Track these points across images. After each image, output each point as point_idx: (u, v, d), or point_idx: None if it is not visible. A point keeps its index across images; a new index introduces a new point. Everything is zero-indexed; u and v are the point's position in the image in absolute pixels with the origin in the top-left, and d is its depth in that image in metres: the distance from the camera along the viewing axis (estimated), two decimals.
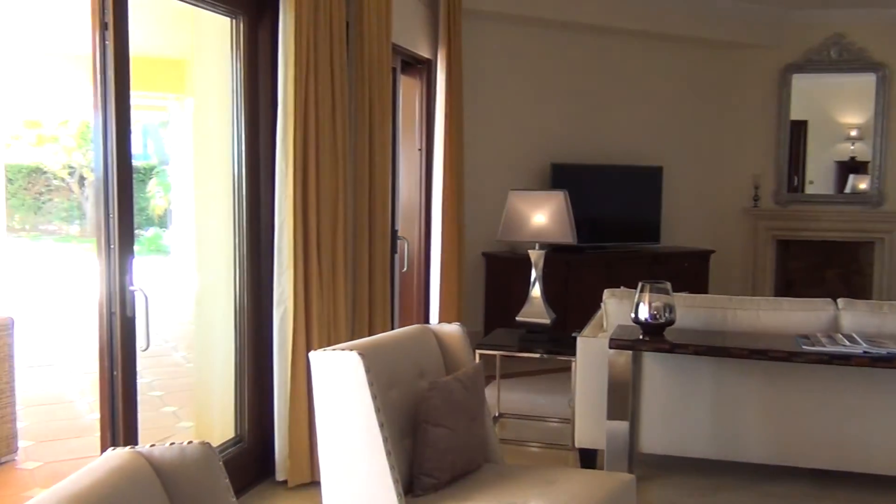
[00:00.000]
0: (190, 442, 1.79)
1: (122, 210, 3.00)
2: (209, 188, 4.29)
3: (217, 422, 4.19)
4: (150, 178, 19.44)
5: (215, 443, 3.87)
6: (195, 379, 4.62)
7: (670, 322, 3.79)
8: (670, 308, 3.79)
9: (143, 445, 1.78)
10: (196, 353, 4.64)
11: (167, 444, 1.78)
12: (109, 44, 2.89)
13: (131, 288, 3.05)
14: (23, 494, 4.08)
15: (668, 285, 3.83)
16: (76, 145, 21.04)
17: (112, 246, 3.01)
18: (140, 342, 3.09)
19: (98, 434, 4.69)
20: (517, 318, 4.97)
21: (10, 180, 19.01)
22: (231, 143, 3.98)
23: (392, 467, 2.64)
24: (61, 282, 12.21)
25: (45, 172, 21.46)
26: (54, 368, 6.66)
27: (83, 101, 13.90)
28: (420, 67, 6.04)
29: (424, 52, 5.97)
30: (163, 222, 19.40)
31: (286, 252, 3.83)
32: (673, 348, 3.71)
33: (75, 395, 5.90)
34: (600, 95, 7.64)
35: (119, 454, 1.72)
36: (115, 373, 3.08)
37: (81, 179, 21.32)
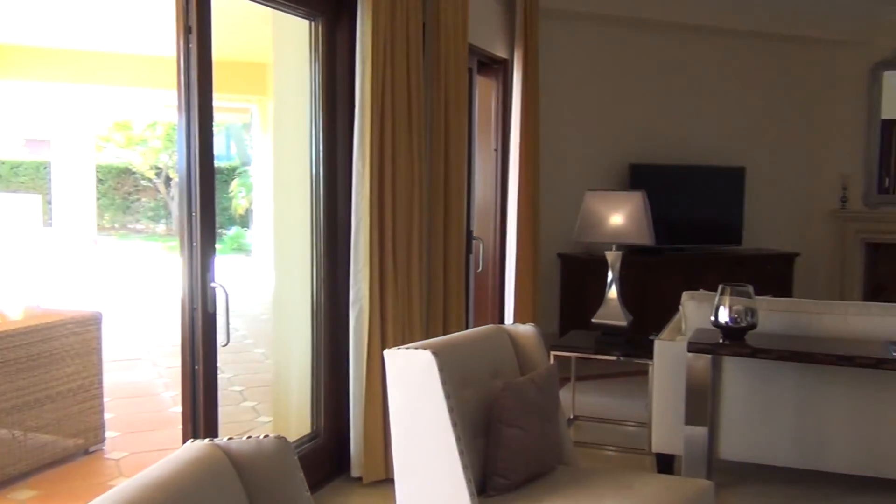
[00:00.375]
0: (266, 436, 1.82)
1: (204, 209, 3.08)
2: (288, 188, 4.37)
3: (294, 418, 4.26)
4: (233, 179, 19.95)
5: (292, 438, 3.94)
6: (273, 375, 4.70)
7: (752, 326, 3.68)
8: (752, 312, 3.68)
9: (221, 438, 1.82)
10: (274, 350, 4.73)
11: (244, 438, 1.81)
12: (193, 47, 2.97)
13: (212, 284, 3.13)
14: (109, 483, 4.23)
15: (750, 288, 3.72)
16: (163, 147, 21.74)
17: (194, 244, 3.09)
18: (220, 337, 3.17)
19: (180, 426, 4.84)
20: (593, 320, 4.90)
21: (100, 180, 19.77)
22: (309, 144, 4.05)
23: (465, 467, 2.64)
24: (148, 279, 12.62)
25: (133, 173, 22.24)
26: (141, 362, 6.89)
27: (170, 103, 14.34)
28: (496, 67, 6.03)
29: (501, 52, 5.96)
30: (244, 221, 19.88)
31: (362, 251, 3.87)
32: (754, 353, 3.60)
33: (160, 388, 6.09)
34: (680, 94, 7.49)
35: (198, 446, 1.76)
36: (196, 367, 3.16)
37: (167, 180, 22.00)
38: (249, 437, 1.81)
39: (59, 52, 12.11)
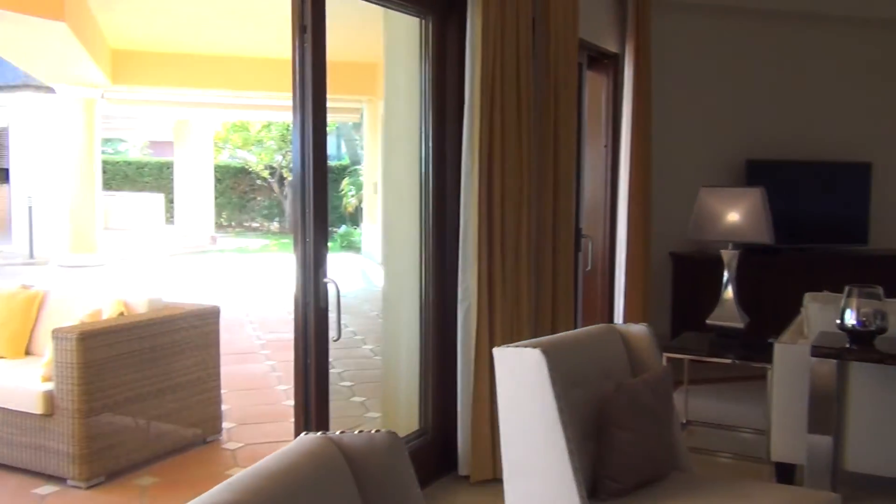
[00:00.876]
0: (378, 430, 1.82)
1: (317, 206, 3.13)
2: (398, 186, 4.41)
3: (402, 414, 4.30)
4: (343, 178, 20.39)
5: (400, 434, 3.97)
6: (382, 371, 4.76)
7: (881, 330, 3.47)
8: (882, 315, 3.47)
9: (333, 432, 1.84)
10: (383, 347, 4.78)
11: (356, 432, 1.82)
12: (308, 45, 3.03)
13: (325, 280, 3.18)
14: (225, 473, 4.38)
15: (880, 290, 3.51)
16: (277, 147, 22.43)
17: (307, 240, 3.15)
18: (332, 332, 3.22)
19: (293, 420, 4.95)
20: (707, 322, 4.74)
21: (218, 180, 20.55)
22: (419, 142, 4.07)
23: (575, 469, 2.58)
24: (262, 275, 13.02)
25: (249, 172, 23.05)
26: (256, 356, 7.11)
27: (284, 104, 14.77)
28: (607, 62, 5.92)
29: (612, 47, 5.84)
30: (354, 219, 20.28)
31: (471, 249, 3.86)
32: (884, 359, 3.39)
33: (274, 381, 6.26)
34: (799, 87, 7.16)
35: (311, 439, 1.78)
36: (308, 361, 3.22)
37: (281, 179, 22.70)
38: (361, 432, 1.83)
39: (180, 56, 12.65)
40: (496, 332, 3.94)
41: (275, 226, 23.64)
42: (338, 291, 3.16)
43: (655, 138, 6.27)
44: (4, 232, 14.68)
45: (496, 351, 2.80)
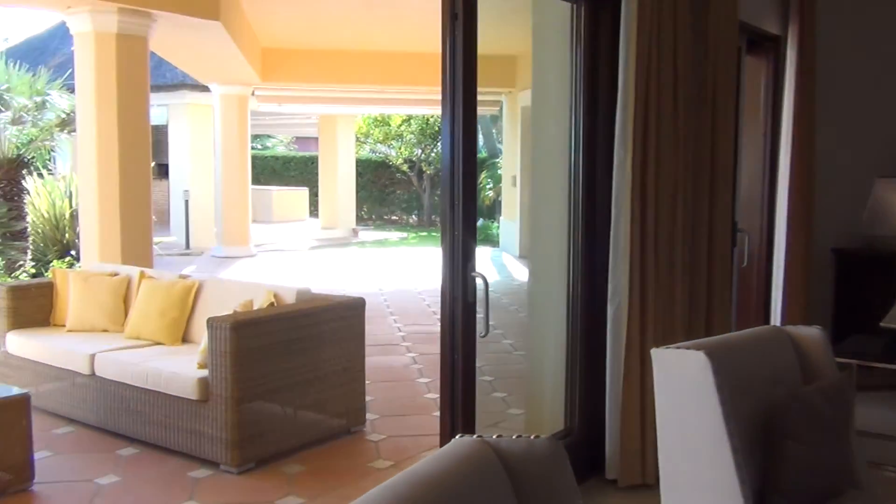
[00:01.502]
0: (537, 436, 1.72)
1: (466, 198, 3.06)
2: (543, 179, 4.28)
3: (547, 413, 4.18)
4: (481, 171, 20.40)
5: (544, 434, 3.86)
6: (526, 367, 4.65)
7: None
8: None
9: (490, 434, 1.75)
10: (528, 342, 4.67)
11: (514, 437, 1.73)
12: (459, 34, 2.96)
13: (473, 274, 3.11)
14: (368, 465, 4.40)
15: None
16: (416, 141, 22.71)
17: (456, 232, 3.09)
18: (479, 328, 3.14)
19: (435, 414, 4.92)
20: (882, 324, 4.36)
21: (359, 174, 21.00)
22: (568, 133, 3.93)
23: (742, 481, 2.39)
24: (403, 267, 13.18)
25: (389, 166, 23.47)
26: (398, 348, 7.17)
27: (426, 98, 14.90)
28: (767, 45, 5.56)
29: (773, 28, 5.48)
30: (491, 213, 20.26)
31: (622, 244, 3.69)
32: None
33: (415, 374, 6.28)
34: None
35: (467, 442, 1.70)
36: (455, 357, 3.16)
37: (420, 173, 22.99)
38: (520, 437, 1.73)
39: (326, 53, 12.97)
40: (648, 331, 3.76)
41: (413, 219, 23.98)
42: (486, 286, 3.08)
43: (820, 126, 5.84)
44: (164, 224, 15.57)
45: (654, 352, 2.64)
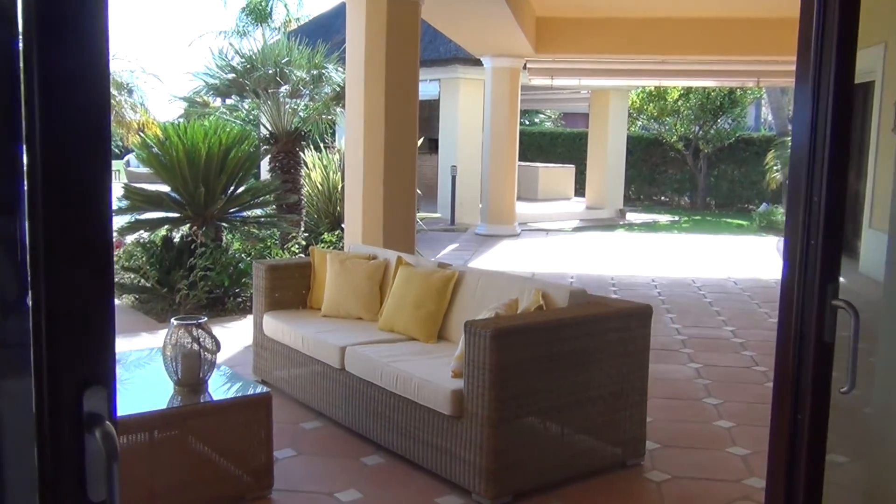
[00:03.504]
0: None
1: (831, 196, 2.11)
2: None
3: None
4: (768, 150, 18.41)
5: None
6: (876, 424, 3.53)
7: None
8: None
9: None
10: (880, 391, 3.55)
11: None
12: None
13: (834, 302, 2.15)
14: None
15: None
16: (695, 117, 21.05)
17: (812, 241, 2.15)
18: (843, 378, 2.18)
19: (731, 450, 3.96)
20: None
21: (629, 151, 19.81)
22: None
23: None
24: (678, 255, 11.97)
25: (662, 144, 21.99)
26: (677, 355, 6.21)
27: (721, 68, 13.49)
28: None
29: None
30: (777, 197, 18.25)
31: None
32: None
33: (700, 391, 5.31)
34: None
35: None
36: (799, 416, 2.23)
37: (696, 152, 21.31)
38: None
39: (605, 21, 12.04)
40: None
41: (685, 200, 22.38)
42: (855, 319, 2.11)
43: None
44: (432, 199, 15.56)
45: None
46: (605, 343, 3.76)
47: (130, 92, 10.58)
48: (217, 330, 6.80)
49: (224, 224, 8.00)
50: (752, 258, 11.84)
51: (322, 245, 9.01)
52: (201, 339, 3.42)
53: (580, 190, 20.48)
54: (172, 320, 3.46)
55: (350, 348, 4.26)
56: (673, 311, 7.81)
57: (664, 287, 9.09)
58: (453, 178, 14.76)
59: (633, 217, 18.36)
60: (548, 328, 3.58)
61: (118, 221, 8.92)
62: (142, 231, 7.78)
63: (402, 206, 6.54)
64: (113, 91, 10.69)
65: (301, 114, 9.96)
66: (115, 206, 8.16)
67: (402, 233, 6.44)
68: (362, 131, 6.45)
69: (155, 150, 7.89)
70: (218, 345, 3.47)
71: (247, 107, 10.27)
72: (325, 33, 15.47)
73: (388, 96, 6.37)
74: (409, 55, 6.60)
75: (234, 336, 6.33)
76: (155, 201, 7.77)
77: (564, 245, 12.95)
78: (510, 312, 3.76)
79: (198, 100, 9.82)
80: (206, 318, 3.53)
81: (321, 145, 10.74)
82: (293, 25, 26.12)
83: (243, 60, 9.69)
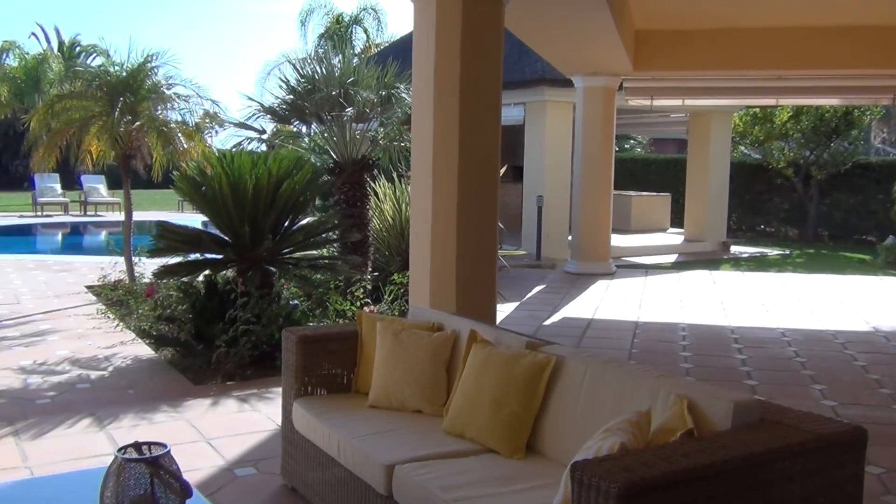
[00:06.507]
0: None
1: None
2: None
3: None
4: (891, 177, 16.41)
5: None
6: None
7: None
8: None
9: None
10: None
11: None
12: None
13: None
14: None
15: None
16: (806, 140, 19.15)
17: None
18: None
19: None
20: None
21: (730, 178, 18.02)
22: None
23: None
24: (799, 297, 10.16)
25: (767, 170, 20.09)
26: None
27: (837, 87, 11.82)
28: None
29: None
30: None
31: None
32: None
33: None
34: None
35: None
36: None
37: (807, 178, 19.35)
38: None
39: (716, 32, 10.59)
40: None
41: (793, 232, 20.37)
42: None
43: None
44: (515, 231, 14.23)
45: None
46: (794, 494, 2.36)
47: (188, 123, 9.66)
48: (255, 401, 5.71)
49: (273, 268, 6.87)
50: (892, 302, 10.08)
51: (390, 289, 7.81)
52: (158, 483, 2.19)
53: (676, 220, 18.84)
54: (116, 453, 2.24)
55: (400, 468, 2.97)
56: (819, 379, 6.26)
57: (799, 344, 7.50)
58: (539, 208, 13.41)
59: (737, 250, 16.62)
60: (709, 475, 2.20)
61: (151, 265, 7.94)
62: (178, 276, 6.70)
63: (479, 254, 5.24)
64: (168, 117, 9.79)
65: (372, 137, 8.81)
66: (150, 247, 7.22)
67: (480, 290, 5.14)
68: (430, 159, 5.21)
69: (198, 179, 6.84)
70: (186, 490, 2.24)
71: (307, 132, 9.21)
72: (405, 55, 14.45)
73: (464, 112, 5.11)
74: (490, 63, 5.34)
75: (276, 409, 5.11)
76: (193, 241, 6.70)
77: (667, 285, 11.39)
78: (640, 437, 2.41)
79: (252, 125, 8.79)
80: (169, 448, 2.30)
81: (393, 174, 9.56)
82: (373, 51, 25.34)
83: (304, 80, 8.62)
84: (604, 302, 9.74)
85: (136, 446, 2.28)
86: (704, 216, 16.55)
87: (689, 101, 14.36)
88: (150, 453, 2.25)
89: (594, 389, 2.98)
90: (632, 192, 19.57)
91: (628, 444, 2.31)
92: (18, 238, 17.86)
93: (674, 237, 17.41)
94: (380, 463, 3.03)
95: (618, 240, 14.77)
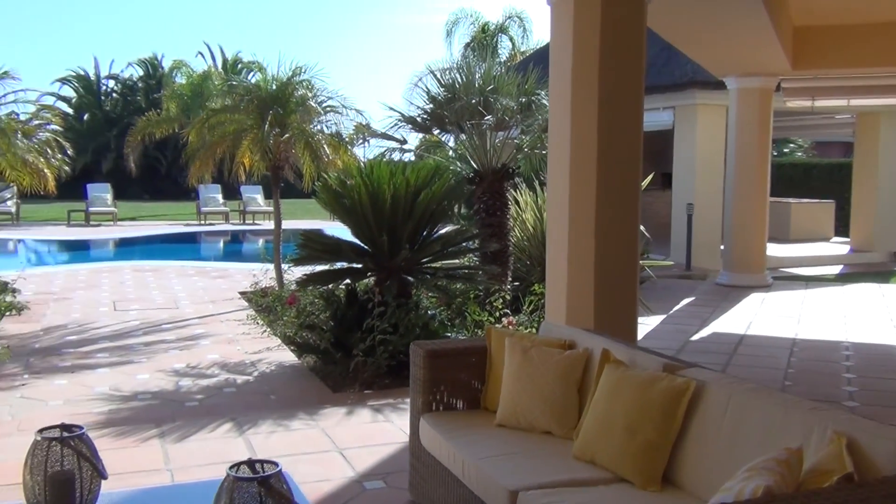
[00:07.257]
0: None
1: None
2: None
3: None
4: None
5: None
6: None
7: None
8: None
9: None
10: None
11: None
12: None
13: None
14: None
15: None
16: None
17: None
18: None
19: None
20: None
21: None
22: None
23: None
24: None
25: None
26: None
27: None
28: None
29: None
30: None
31: None
32: None
33: None
34: None
35: None
36: None
37: None
38: None
39: (883, 25, 9.78)
40: None
41: None
42: None
43: None
44: (663, 240, 13.70)
45: None
46: None
47: (337, 134, 9.88)
48: (388, 412, 5.68)
49: (410, 277, 6.86)
50: None
51: (530, 299, 7.65)
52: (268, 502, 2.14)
53: (841, 229, 17.61)
54: (228, 471, 2.21)
55: (525, 495, 2.81)
56: None
57: None
58: (689, 216, 12.84)
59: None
60: None
61: (299, 272, 8.12)
62: (317, 285, 6.81)
63: (620, 265, 4.99)
64: (315, 128, 10.06)
65: (514, 145, 8.68)
66: (294, 255, 7.40)
67: (620, 303, 4.89)
68: (568, 165, 5.02)
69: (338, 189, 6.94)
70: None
71: (451, 143, 9.19)
72: (546, 61, 14.25)
73: (602, 117, 4.89)
74: (632, 66, 5.09)
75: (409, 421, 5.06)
76: (333, 250, 6.80)
77: (830, 299, 10.59)
78: (789, 479, 2.14)
79: (393, 135, 8.87)
80: (280, 467, 2.24)
81: (535, 183, 9.39)
82: (518, 59, 25.26)
83: (444, 90, 8.60)
84: (758, 316, 9.16)
85: (250, 463, 2.24)
86: (872, 224, 15.37)
87: (854, 102, 13.35)
88: (263, 471, 2.20)
89: (739, 420, 2.71)
90: (791, 199, 18.47)
91: (775, 488, 2.05)
92: (183, 245, 18.93)
93: (838, 247, 16.28)
94: (504, 487, 2.89)
95: (775, 249, 13.93)
